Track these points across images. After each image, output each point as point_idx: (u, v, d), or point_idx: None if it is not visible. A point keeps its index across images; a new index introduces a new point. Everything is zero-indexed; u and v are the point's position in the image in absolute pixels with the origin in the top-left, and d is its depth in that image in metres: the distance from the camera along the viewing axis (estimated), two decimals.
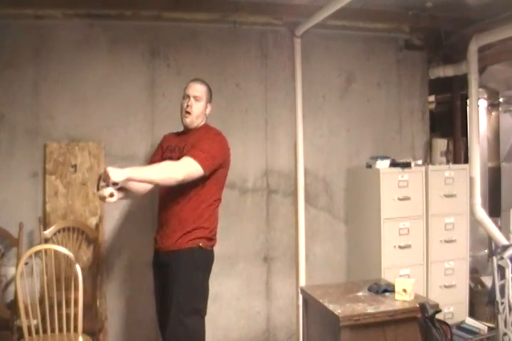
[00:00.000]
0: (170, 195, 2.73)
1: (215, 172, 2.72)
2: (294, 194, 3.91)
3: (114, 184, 2.36)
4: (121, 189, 2.54)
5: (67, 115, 3.51)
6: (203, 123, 2.88)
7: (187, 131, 2.88)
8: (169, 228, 2.73)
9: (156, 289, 2.86)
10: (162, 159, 2.82)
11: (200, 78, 2.94)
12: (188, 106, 2.79)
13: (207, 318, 2.79)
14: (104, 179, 2.36)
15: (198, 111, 2.81)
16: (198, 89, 2.82)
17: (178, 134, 2.95)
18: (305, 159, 3.91)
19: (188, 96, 2.81)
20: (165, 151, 2.89)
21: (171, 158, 2.75)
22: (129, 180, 2.41)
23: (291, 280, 3.90)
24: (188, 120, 2.81)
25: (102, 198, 2.37)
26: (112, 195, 2.37)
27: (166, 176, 2.49)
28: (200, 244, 2.70)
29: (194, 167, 2.55)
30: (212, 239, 2.79)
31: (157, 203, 2.91)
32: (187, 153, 2.62)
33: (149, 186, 2.75)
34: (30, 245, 3.32)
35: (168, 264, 2.70)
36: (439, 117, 4.52)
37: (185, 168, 2.53)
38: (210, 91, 2.90)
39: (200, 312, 2.72)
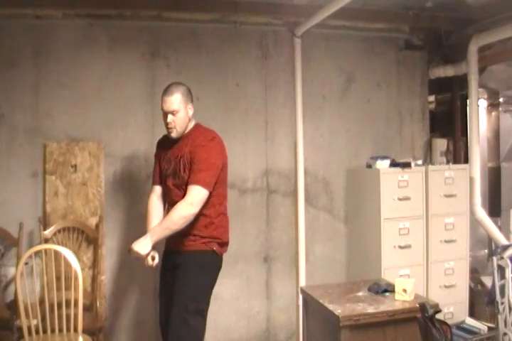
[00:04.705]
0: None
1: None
2: (293, 194, 3.91)
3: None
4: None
5: (67, 115, 3.51)
6: (192, 125, 2.79)
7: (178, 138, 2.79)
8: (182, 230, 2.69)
9: (162, 291, 2.85)
10: (161, 172, 2.82)
11: (171, 86, 2.71)
12: (169, 123, 2.70)
13: (207, 318, 2.79)
14: (136, 257, 2.55)
15: (181, 122, 2.70)
16: (172, 103, 2.66)
17: (170, 140, 2.82)
18: (305, 159, 3.91)
19: (166, 113, 2.69)
20: (162, 162, 2.84)
21: (167, 170, 2.76)
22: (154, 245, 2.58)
23: (291, 280, 3.90)
24: (174, 135, 2.73)
25: (150, 267, 2.65)
26: (153, 259, 2.63)
27: (183, 220, 2.56)
28: (214, 248, 2.70)
29: (200, 193, 2.60)
30: (224, 244, 2.79)
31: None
32: (190, 180, 2.62)
33: (161, 209, 2.85)
34: (30, 245, 3.32)
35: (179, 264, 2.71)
36: (439, 117, 4.51)
37: (195, 199, 2.58)
38: (186, 93, 2.72)
39: (202, 312, 2.72)
